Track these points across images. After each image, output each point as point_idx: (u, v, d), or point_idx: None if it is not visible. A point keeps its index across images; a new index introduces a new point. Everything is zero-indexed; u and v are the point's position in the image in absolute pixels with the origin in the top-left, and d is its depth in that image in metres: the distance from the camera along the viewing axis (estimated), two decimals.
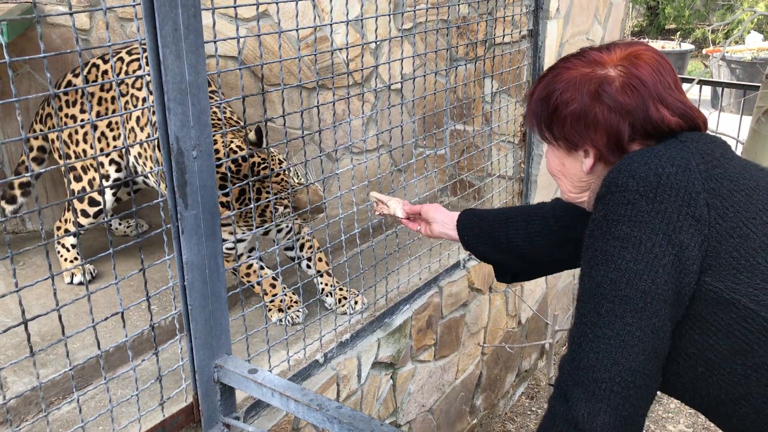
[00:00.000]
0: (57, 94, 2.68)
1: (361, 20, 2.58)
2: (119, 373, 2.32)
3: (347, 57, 2.29)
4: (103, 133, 2.69)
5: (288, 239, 2.70)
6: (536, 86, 1.44)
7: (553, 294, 4.07)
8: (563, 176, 1.47)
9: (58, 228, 2.84)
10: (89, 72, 2.70)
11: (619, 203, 1.23)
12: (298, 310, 2.56)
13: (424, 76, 2.74)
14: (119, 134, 2.67)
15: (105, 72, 2.68)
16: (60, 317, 1.61)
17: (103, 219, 3.10)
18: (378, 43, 2.66)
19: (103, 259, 2.85)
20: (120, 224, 3.24)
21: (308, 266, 2.71)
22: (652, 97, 1.31)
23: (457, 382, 3.22)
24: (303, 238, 2.75)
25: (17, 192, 2.85)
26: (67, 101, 2.71)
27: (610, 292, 1.22)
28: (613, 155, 1.35)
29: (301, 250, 2.74)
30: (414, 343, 2.81)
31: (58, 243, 2.87)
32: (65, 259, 2.84)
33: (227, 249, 2.53)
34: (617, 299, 1.21)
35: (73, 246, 2.86)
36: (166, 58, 1.62)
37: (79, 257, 2.86)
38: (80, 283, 2.80)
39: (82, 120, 2.63)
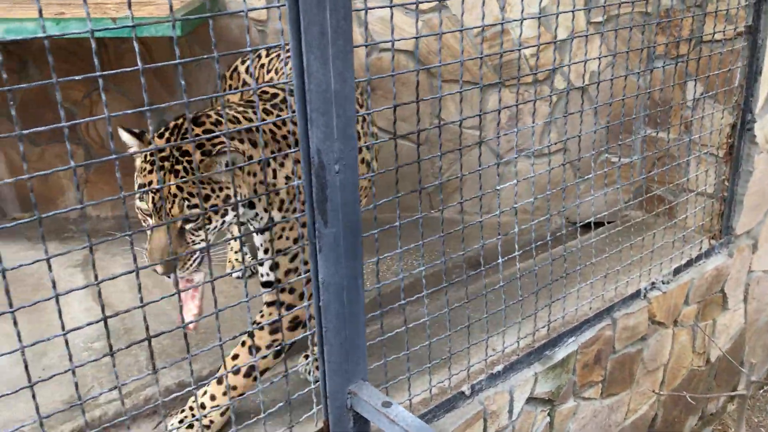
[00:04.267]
0: (223, 88, 2.66)
1: (540, 16, 2.30)
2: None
3: (523, 53, 2.03)
4: None
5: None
6: None
7: (752, 330, 3.51)
8: None
9: None
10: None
11: None
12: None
13: (624, 77, 2.37)
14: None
15: (262, 66, 2.56)
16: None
17: None
18: (566, 39, 2.37)
19: None
20: None
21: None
22: None
23: (626, 422, 2.86)
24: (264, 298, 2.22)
25: None
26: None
27: None
28: None
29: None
30: (578, 378, 2.51)
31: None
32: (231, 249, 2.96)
33: None
34: None
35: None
36: (310, 64, 1.49)
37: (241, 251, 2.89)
38: (238, 278, 2.81)
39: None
